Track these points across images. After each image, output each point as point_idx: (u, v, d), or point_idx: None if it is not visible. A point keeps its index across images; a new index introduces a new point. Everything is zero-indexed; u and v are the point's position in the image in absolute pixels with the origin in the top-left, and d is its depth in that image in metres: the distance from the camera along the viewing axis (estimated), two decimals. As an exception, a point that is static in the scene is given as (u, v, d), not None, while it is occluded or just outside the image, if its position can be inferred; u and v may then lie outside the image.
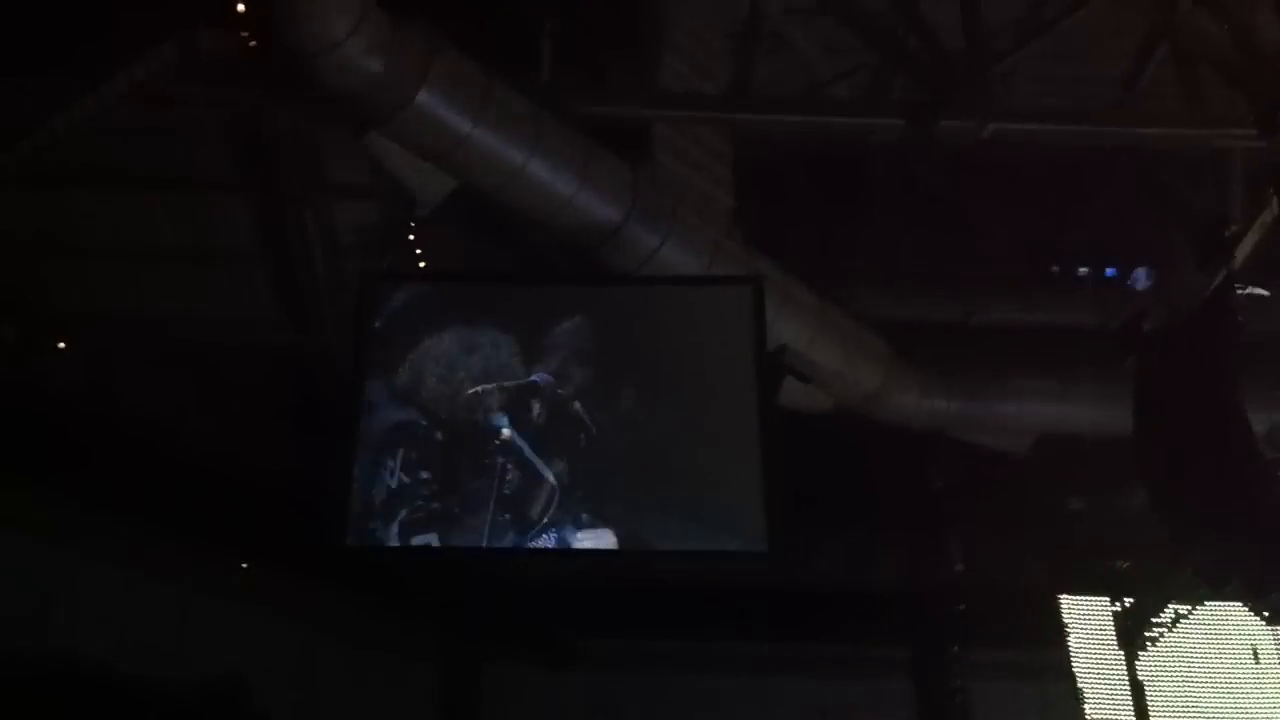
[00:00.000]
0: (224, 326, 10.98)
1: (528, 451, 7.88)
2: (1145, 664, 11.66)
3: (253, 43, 7.80)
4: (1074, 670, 11.71)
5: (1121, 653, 11.72)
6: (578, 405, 8.06)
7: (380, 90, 7.76)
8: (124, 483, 10.93)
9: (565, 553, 7.85)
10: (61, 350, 10.44)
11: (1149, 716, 11.49)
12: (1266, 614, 10.97)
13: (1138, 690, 11.58)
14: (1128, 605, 11.75)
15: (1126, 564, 11.63)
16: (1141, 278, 10.39)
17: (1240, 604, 11.15)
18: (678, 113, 9.03)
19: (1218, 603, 11.39)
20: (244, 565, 12.48)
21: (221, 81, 8.41)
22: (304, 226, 9.91)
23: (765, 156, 9.58)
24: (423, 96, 7.86)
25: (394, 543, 7.85)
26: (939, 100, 8.72)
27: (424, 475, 7.91)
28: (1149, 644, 11.70)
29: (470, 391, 8.00)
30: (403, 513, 7.83)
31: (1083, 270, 10.60)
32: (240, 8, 7.74)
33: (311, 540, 8.15)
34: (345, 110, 8.03)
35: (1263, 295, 9.89)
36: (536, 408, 8.00)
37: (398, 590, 12.68)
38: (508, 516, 7.73)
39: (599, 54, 9.18)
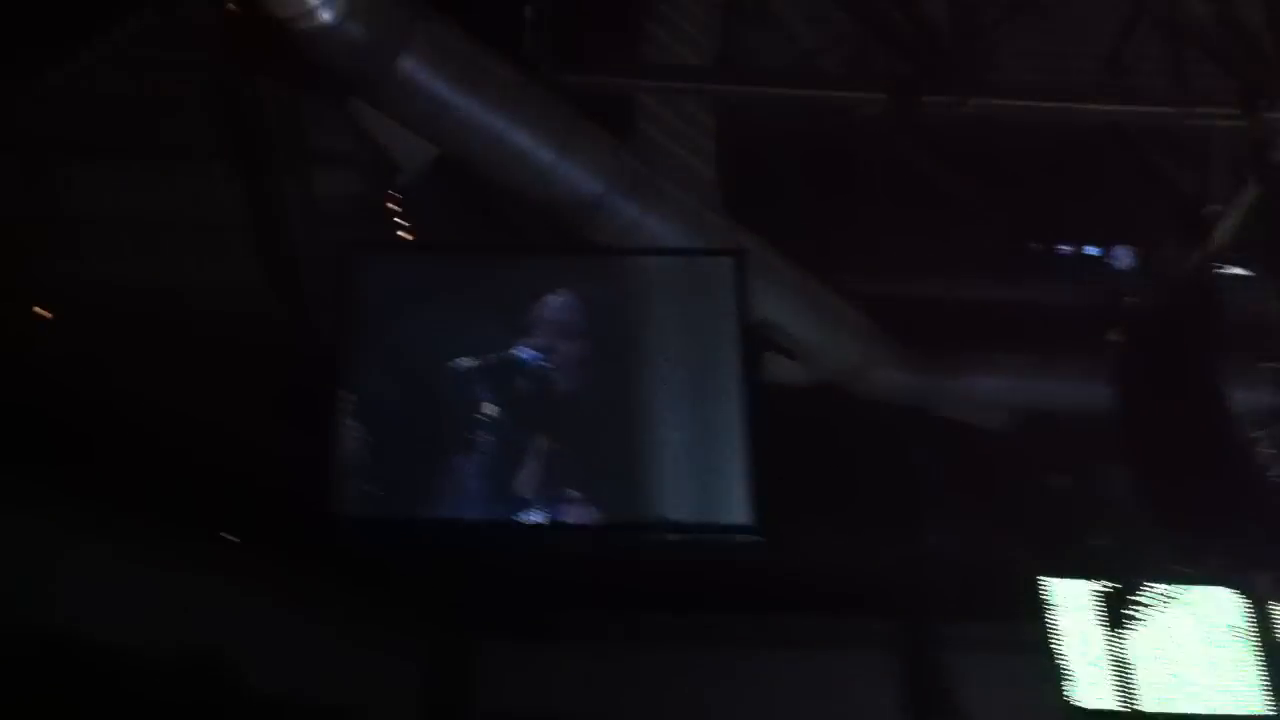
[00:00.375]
0: (206, 295, 10.93)
1: (511, 427, 7.89)
2: (1127, 642, 11.71)
3: (231, 5, 7.76)
4: (1054, 648, 11.77)
5: (1103, 630, 11.77)
6: (562, 379, 8.08)
7: (362, 56, 7.68)
8: (108, 457, 10.93)
9: (548, 527, 7.89)
10: (41, 317, 10.40)
11: (1131, 693, 11.55)
12: (1246, 593, 11.03)
13: (1120, 668, 11.64)
14: (1110, 584, 11.79)
15: (1107, 541, 11.66)
16: (1123, 256, 10.40)
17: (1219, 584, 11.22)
18: (661, 83, 9.02)
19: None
20: (226, 536, 12.48)
21: (201, 47, 8.39)
22: (285, 196, 9.88)
23: (749, 133, 9.57)
24: (405, 62, 7.77)
25: (374, 516, 7.89)
26: (922, 75, 8.73)
27: (406, 450, 7.94)
28: (1130, 622, 11.75)
29: (453, 365, 8.01)
30: (384, 487, 7.86)
31: (1064, 249, 10.62)
32: (222, -29, 7.72)
33: (295, 515, 8.17)
34: (326, 76, 8.01)
35: (1243, 275, 9.92)
36: (520, 382, 8.01)
37: (385, 571, 12.70)
38: (492, 493, 7.76)
39: (583, 34, 9.13)
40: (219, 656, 12.09)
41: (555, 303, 8.26)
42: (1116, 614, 11.67)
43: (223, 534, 12.56)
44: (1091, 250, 10.27)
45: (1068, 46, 9.56)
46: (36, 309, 10.38)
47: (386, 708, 13.63)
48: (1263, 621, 11.49)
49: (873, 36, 9.37)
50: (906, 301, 10.59)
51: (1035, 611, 11.80)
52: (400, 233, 9.26)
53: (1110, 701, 11.47)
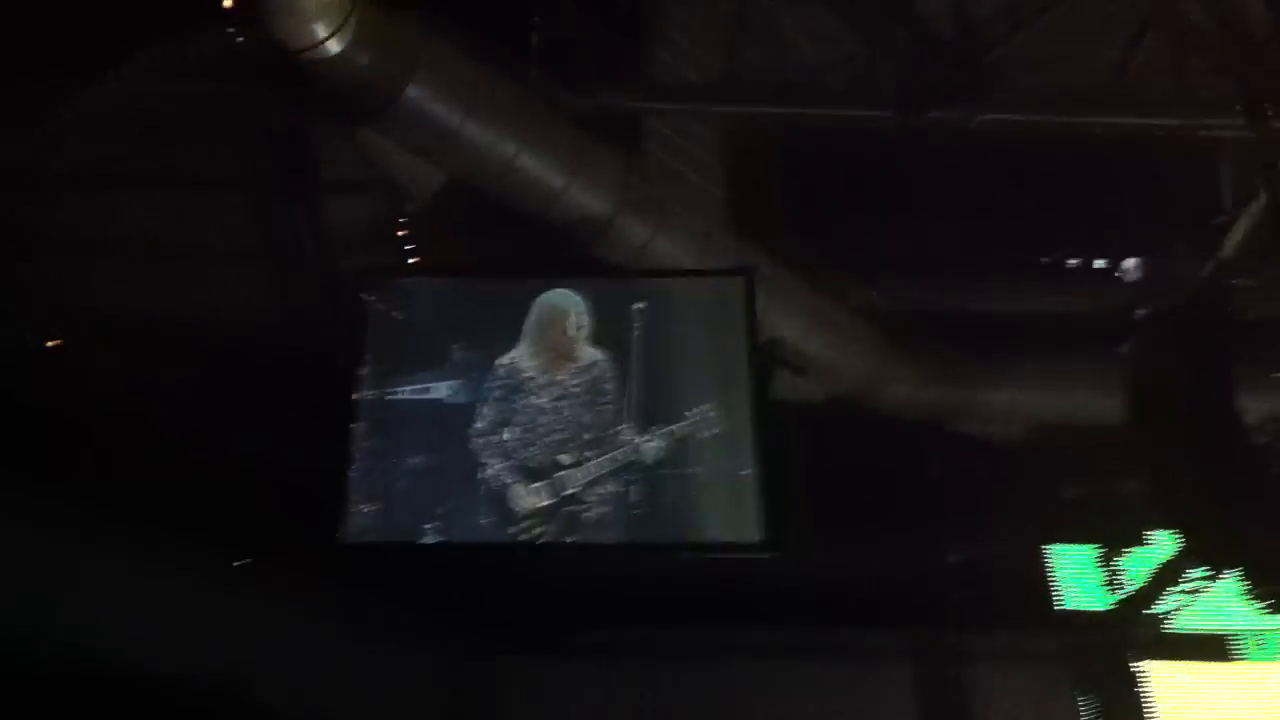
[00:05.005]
0: (223, 323, 11.00)
1: (524, 448, 7.93)
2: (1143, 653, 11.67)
3: (239, 39, 7.80)
4: (1073, 659, 11.75)
5: (1120, 641, 11.72)
6: (575, 401, 8.09)
7: (369, 85, 7.79)
8: (126, 478, 10.96)
9: (562, 546, 7.92)
10: (57, 349, 10.47)
11: (1148, 705, 11.50)
12: (1267, 602, 10.98)
13: (1136, 679, 11.59)
14: (1126, 595, 11.74)
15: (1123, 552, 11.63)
16: (1132, 268, 10.38)
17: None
18: (667, 104, 9.05)
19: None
20: (246, 560, 12.49)
21: (211, 78, 8.43)
22: (297, 223, 9.94)
23: (753, 148, 9.57)
24: (411, 91, 7.88)
25: (395, 539, 7.91)
26: (928, 91, 8.73)
27: (419, 472, 7.97)
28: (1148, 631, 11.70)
29: (463, 387, 8.05)
30: (397, 510, 7.89)
31: (1072, 262, 10.60)
32: (226, 3, 7.74)
33: (317, 536, 8.21)
34: (334, 105, 8.06)
35: (1251, 285, 9.86)
36: (532, 403, 8.05)
37: (402, 593, 12.72)
38: (506, 512, 7.80)
39: (587, 46, 9.15)
40: (236, 678, 12.11)
41: (560, 314, 8.30)
42: (1132, 623, 11.66)
43: (237, 558, 12.57)
44: (1100, 263, 10.25)
45: (1076, 58, 9.54)
46: (49, 338, 10.42)
47: (406, 730, 13.66)
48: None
49: (878, 52, 9.37)
50: (919, 315, 10.58)
51: (1053, 621, 11.82)
52: (410, 258, 9.31)
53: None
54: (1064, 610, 11.87)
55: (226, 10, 7.70)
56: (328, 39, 7.43)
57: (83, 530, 11.44)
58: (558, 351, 8.24)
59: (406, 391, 8.20)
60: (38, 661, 10.51)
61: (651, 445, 7.96)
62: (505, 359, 8.18)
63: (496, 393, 8.10)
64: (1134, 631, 11.72)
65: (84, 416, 10.93)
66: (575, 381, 8.15)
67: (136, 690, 11.13)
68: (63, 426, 10.71)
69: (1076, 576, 11.79)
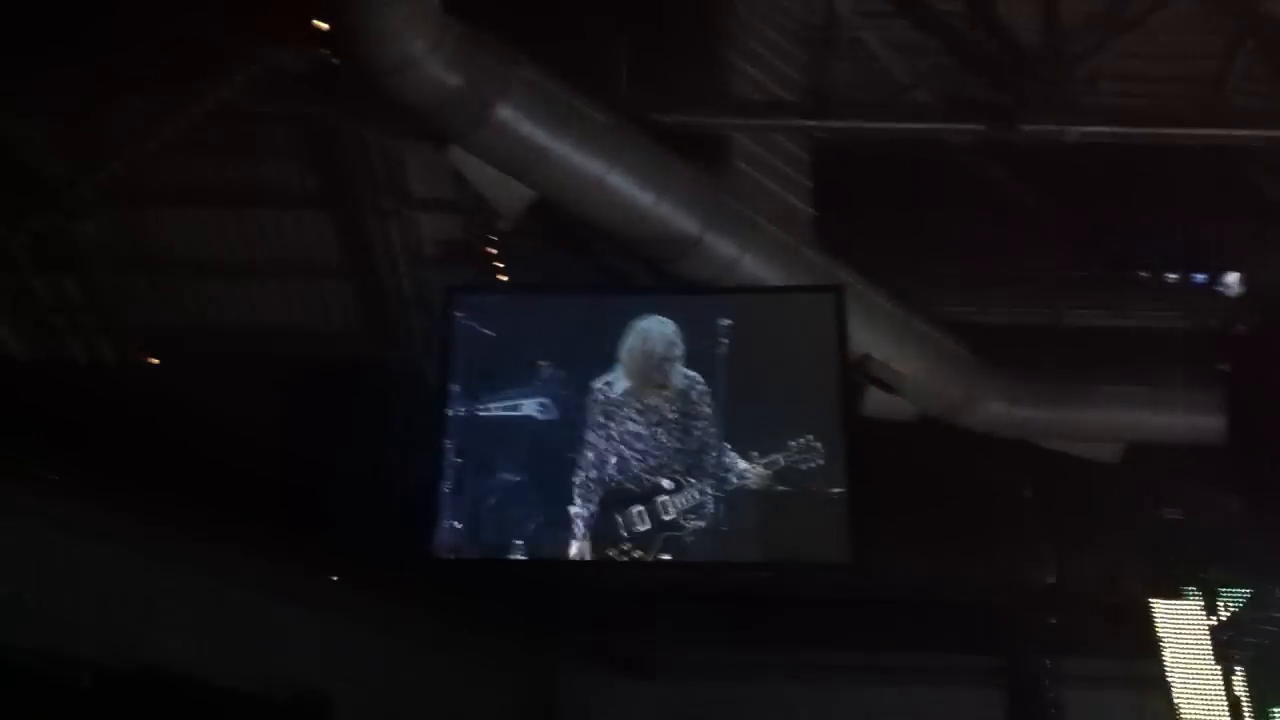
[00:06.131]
0: (310, 340, 11.15)
1: (611, 464, 7.94)
2: (1242, 678, 11.41)
3: (334, 60, 7.92)
4: (1170, 684, 11.49)
5: (1219, 667, 11.46)
6: (663, 419, 8.09)
7: (460, 105, 7.84)
8: (213, 496, 11.10)
9: (648, 564, 7.90)
10: (153, 366, 10.64)
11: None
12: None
13: (1235, 706, 11.33)
14: (1225, 619, 11.49)
15: (1223, 574, 11.38)
16: (1233, 282, 10.16)
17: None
18: (755, 121, 9.00)
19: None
20: (335, 576, 12.61)
21: (303, 98, 8.57)
22: (388, 240, 10.05)
23: (843, 161, 9.50)
24: (503, 110, 7.92)
25: (485, 555, 7.95)
26: (1019, 103, 8.60)
27: (511, 479, 8.00)
28: (1246, 658, 11.43)
29: (553, 403, 8.08)
30: (500, 522, 7.92)
31: (1171, 276, 10.40)
32: (323, 26, 7.88)
33: (409, 552, 8.26)
34: (426, 125, 8.14)
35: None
36: (623, 421, 8.06)
37: (484, 607, 12.76)
38: (592, 529, 7.80)
39: (673, 65, 9.16)
40: (320, 694, 12.19)
41: (658, 343, 8.29)
42: (1232, 648, 11.39)
43: (327, 573, 12.67)
44: (1199, 278, 10.05)
45: (1170, 69, 9.38)
46: (144, 354, 10.59)
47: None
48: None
49: (966, 66, 9.27)
50: (1012, 331, 10.44)
51: (1150, 645, 11.57)
52: (499, 274, 9.39)
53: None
54: (1156, 636, 11.63)
55: (320, 31, 7.84)
56: (420, 60, 7.52)
57: (171, 547, 11.62)
58: (653, 379, 8.21)
59: (496, 408, 8.18)
60: (127, 677, 10.66)
61: (753, 473, 7.89)
62: (600, 382, 8.16)
63: (595, 416, 8.08)
64: (1232, 658, 11.44)
65: (174, 434, 11.09)
66: (671, 406, 8.12)
67: (223, 706, 11.26)
68: (152, 443, 10.86)
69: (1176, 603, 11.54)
